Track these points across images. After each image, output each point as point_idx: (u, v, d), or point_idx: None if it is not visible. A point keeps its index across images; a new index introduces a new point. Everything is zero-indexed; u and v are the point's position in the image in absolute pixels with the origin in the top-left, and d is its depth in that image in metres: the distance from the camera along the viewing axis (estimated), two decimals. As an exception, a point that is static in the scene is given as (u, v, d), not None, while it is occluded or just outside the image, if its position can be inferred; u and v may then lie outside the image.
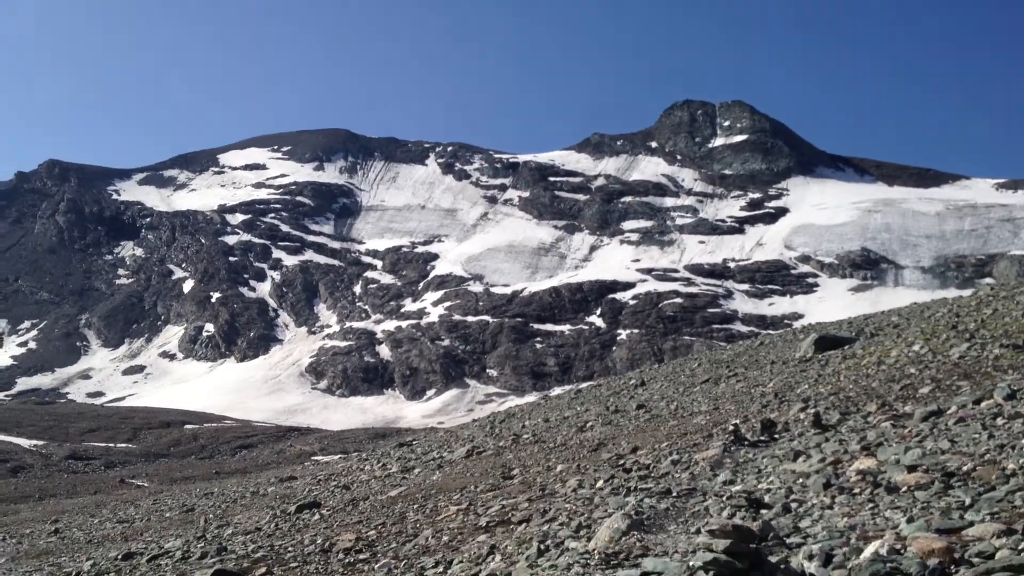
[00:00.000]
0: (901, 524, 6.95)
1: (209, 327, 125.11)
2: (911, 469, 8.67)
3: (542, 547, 9.34)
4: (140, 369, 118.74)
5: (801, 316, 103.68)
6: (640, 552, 8.25)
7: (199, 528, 19.77)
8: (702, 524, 8.51)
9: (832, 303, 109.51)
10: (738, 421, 14.72)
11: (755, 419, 15.36)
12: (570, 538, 9.66)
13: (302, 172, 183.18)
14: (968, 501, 7.30)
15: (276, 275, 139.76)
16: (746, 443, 13.28)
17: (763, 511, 8.79)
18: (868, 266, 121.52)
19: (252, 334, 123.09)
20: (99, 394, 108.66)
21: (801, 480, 9.65)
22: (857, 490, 8.64)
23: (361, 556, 12.15)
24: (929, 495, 7.73)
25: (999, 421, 10.28)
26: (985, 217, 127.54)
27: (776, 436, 13.55)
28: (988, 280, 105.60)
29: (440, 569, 10.27)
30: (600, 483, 12.70)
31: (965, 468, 8.32)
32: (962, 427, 10.46)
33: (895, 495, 8.07)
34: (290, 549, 13.64)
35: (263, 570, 12.21)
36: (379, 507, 16.44)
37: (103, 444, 62.00)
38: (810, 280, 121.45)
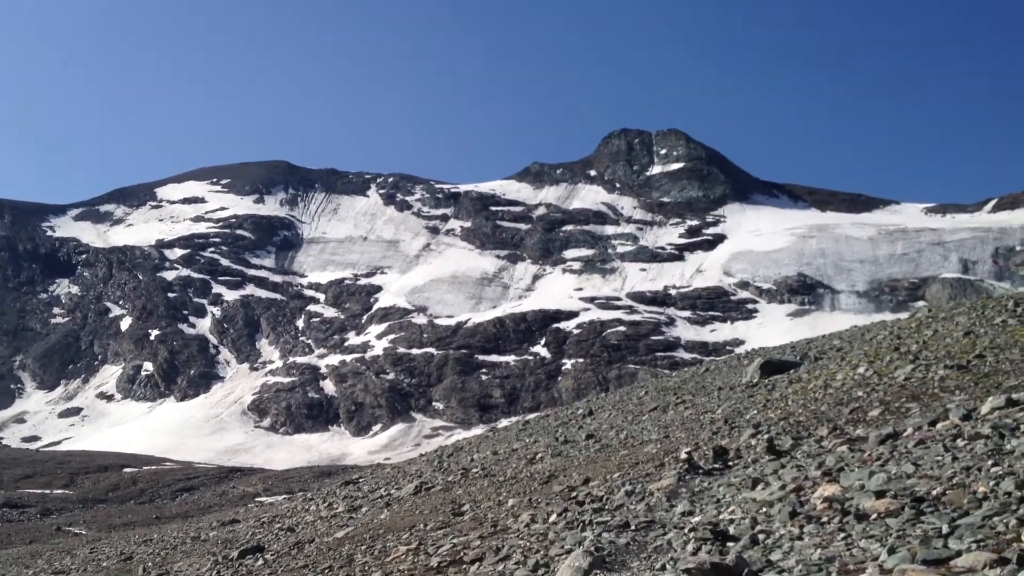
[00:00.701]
0: (881, 555, 6.75)
1: (148, 366, 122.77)
2: (879, 495, 8.46)
3: (499, 591, 9.16)
4: (77, 411, 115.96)
5: (742, 342, 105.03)
6: (606, 593, 8.08)
7: (137, 578, 19.44)
8: (667, 560, 8.48)
9: (772, 328, 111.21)
10: (690, 449, 14.63)
11: (706, 446, 15.32)
12: None
13: (242, 205, 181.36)
14: (946, 528, 7.11)
15: (216, 311, 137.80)
16: (700, 471, 13.16)
17: (729, 543, 8.53)
18: (805, 291, 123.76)
19: (192, 372, 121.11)
20: (34, 438, 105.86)
21: (764, 509, 9.44)
22: (825, 518, 8.41)
23: (308, 603, 11.93)
24: (901, 522, 7.55)
25: (959, 442, 10.19)
26: (916, 241, 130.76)
27: (730, 463, 13.46)
28: (921, 303, 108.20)
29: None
30: (553, 517, 12.53)
31: (934, 492, 8.17)
32: (923, 449, 10.35)
33: (866, 523, 7.87)
34: (233, 597, 13.48)
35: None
36: (326, 549, 16.18)
37: (39, 491, 60.51)
38: (749, 306, 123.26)
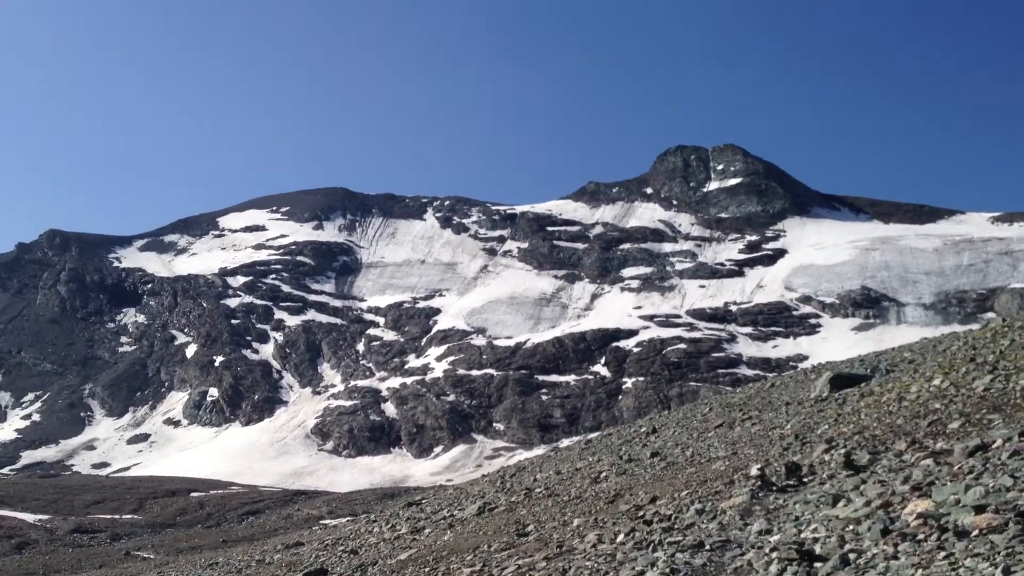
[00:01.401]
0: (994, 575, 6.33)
1: (213, 391, 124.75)
2: (978, 510, 7.92)
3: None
4: (145, 437, 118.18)
5: (806, 357, 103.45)
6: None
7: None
8: None
9: (836, 343, 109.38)
10: (761, 465, 14.17)
11: (777, 463, 14.82)
12: None
13: (301, 232, 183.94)
14: None
15: (279, 336, 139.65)
16: (774, 488, 12.71)
17: (817, 564, 8.04)
18: (869, 304, 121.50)
19: (256, 397, 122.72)
20: (104, 464, 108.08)
21: (852, 527, 8.95)
22: (921, 535, 7.89)
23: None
24: (1007, 539, 7.05)
25: None
26: (983, 251, 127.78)
27: (804, 480, 13.01)
28: (990, 314, 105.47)
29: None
30: (621, 537, 12.13)
31: None
32: (1019, 461, 9.81)
33: (967, 540, 7.36)
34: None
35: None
36: (389, 572, 15.96)
37: (108, 516, 61.56)
38: (812, 321, 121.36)
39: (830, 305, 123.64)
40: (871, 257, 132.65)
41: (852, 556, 7.83)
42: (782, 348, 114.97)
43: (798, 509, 10.84)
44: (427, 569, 14.91)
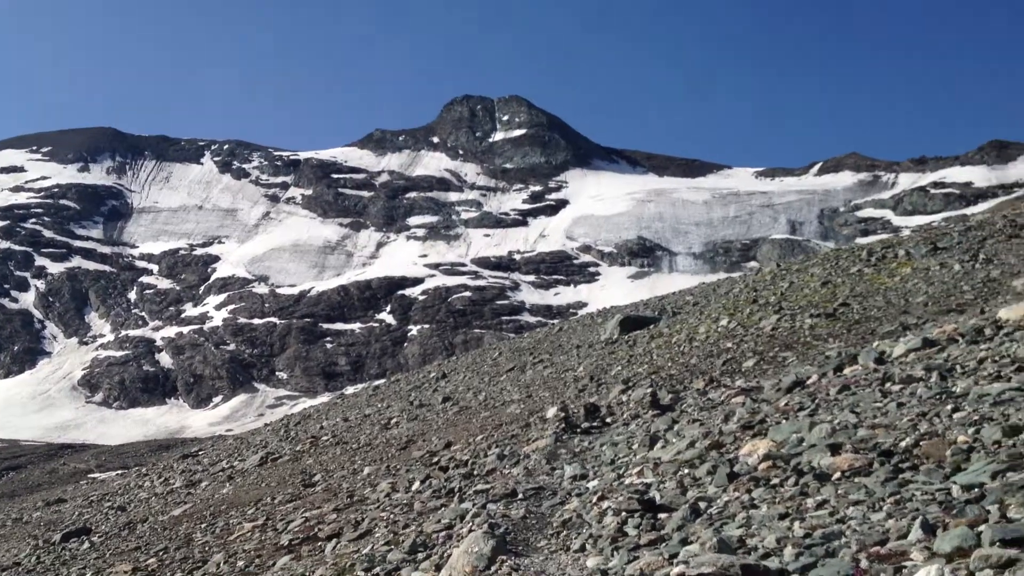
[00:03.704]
0: (911, 531, 5.14)
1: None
2: (833, 450, 7.08)
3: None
4: None
5: (585, 304, 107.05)
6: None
7: (-57, 566, 17.76)
8: (585, 539, 6.98)
9: (613, 290, 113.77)
10: (559, 407, 13.63)
11: (575, 404, 14.45)
12: (406, 563, 7.72)
13: (65, 174, 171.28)
14: (959, 491, 5.68)
15: (40, 284, 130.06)
16: (579, 430, 12.09)
17: (661, 515, 6.97)
18: (644, 254, 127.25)
19: (16, 348, 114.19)
20: None
21: (687, 471, 8.10)
22: (774, 479, 6.97)
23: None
24: (879, 482, 6.23)
25: (893, 387, 9.16)
26: (748, 204, 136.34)
27: (607, 421, 12.51)
28: (752, 263, 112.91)
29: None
30: (416, 485, 11.54)
31: (903, 444, 6.89)
32: (851, 396, 9.26)
33: (833, 485, 6.45)
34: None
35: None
36: (160, 529, 14.95)
37: None
38: (591, 269, 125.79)
39: (608, 254, 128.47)
40: (646, 208, 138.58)
41: (702, 505, 6.86)
42: (563, 296, 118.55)
43: (608, 452, 10.31)
44: (203, 525, 13.99)
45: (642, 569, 5.80)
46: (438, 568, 7.24)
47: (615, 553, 6.42)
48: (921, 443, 6.80)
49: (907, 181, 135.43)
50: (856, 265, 22.57)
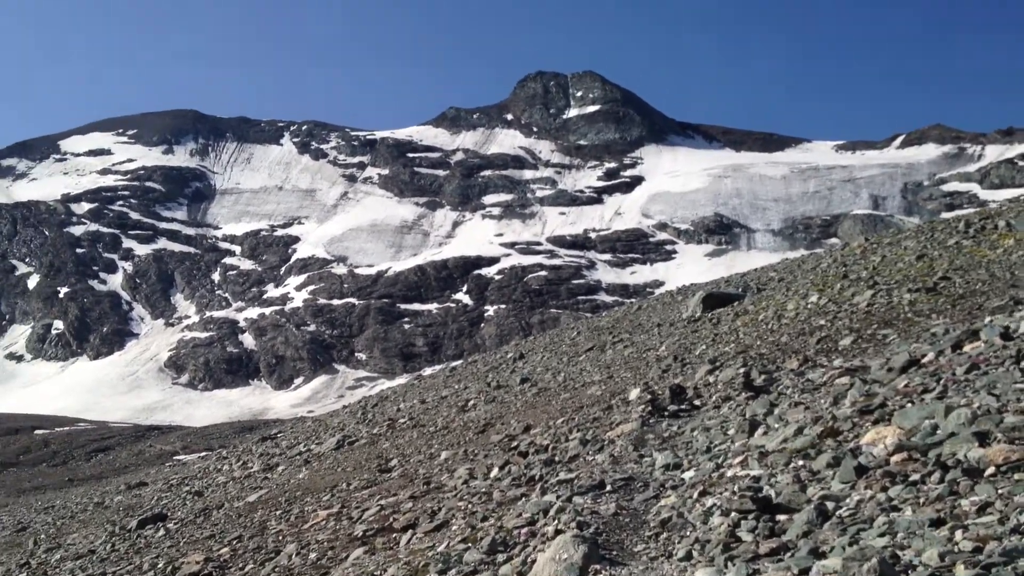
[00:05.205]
0: None
1: (58, 324, 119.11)
2: (982, 439, 6.02)
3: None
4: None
5: (662, 283, 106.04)
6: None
7: (26, 552, 17.72)
8: (691, 544, 6.11)
9: (690, 268, 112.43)
10: (643, 389, 12.96)
11: (659, 386, 13.78)
12: (485, 567, 6.99)
13: (150, 156, 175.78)
14: None
15: (128, 266, 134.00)
16: (666, 413, 11.37)
17: (780, 516, 6.01)
18: (722, 231, 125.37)
19: (105, 329, 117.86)
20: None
21: (802, 462, 7.13)
22: (914, 475, 5.91)
23: (208, 584, 10.37)
24: None
25: None
26: (828, 179, 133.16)
27: (696, 403, 11.78)
28: (834, 240, 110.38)
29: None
30: (495, 472, 10.93)
31: None
32: (983, 376, 7.94)
33: (989, 482, 5.40)
34: (123, 578, 11.82)
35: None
36: (235, 516, 14.74)
37: (-54, 458, 58.30)
38: (668, 247, 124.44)
39: (684, 232, 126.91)
40: (723, 184, 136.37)
41: (829, 505, 5.85)
42: (640, 274, 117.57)
43: (701, 438, 9.46)
44: (278, 512, 13.69)
45: (767, 587, 4.87)
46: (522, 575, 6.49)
47: (730, 564, 5.48)
48: None
49: (994, 153, 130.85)
50: (953, 237, 20.95)
